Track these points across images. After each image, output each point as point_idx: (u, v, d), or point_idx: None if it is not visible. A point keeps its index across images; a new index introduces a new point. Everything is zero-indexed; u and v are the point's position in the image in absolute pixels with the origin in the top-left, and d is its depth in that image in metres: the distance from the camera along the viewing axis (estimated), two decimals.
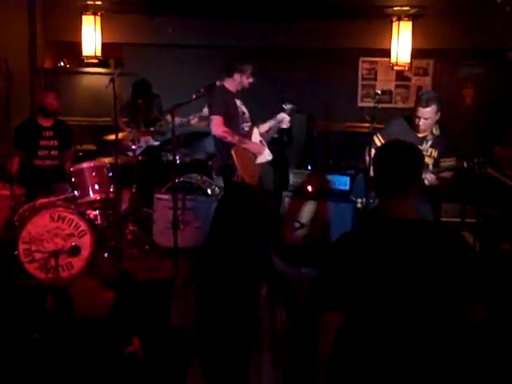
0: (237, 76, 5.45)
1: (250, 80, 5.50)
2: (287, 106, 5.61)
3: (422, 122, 4.65)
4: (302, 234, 5.94)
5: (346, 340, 2.36)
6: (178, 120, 6.72)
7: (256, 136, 5.55)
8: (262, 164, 5.60)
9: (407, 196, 2.36)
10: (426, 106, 4.60)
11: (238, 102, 5.56)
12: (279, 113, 5.60)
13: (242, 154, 5.35)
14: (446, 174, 4.79)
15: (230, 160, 5.30)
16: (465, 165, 4.62)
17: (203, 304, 2.54)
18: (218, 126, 5.31)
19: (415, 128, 4.72)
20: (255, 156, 5.49)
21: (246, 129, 5.57)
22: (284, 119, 5.58)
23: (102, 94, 6.79)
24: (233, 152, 5.28)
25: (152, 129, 6.94)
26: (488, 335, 3.68)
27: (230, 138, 5.28)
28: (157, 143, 6.93)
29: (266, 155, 5.57)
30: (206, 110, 6.02)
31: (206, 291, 2.54)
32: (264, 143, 5.55)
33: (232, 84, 5.47)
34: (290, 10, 7.85)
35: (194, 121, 6.65)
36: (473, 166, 4.57)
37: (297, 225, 5.93)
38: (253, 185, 5.33)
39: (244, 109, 5.63)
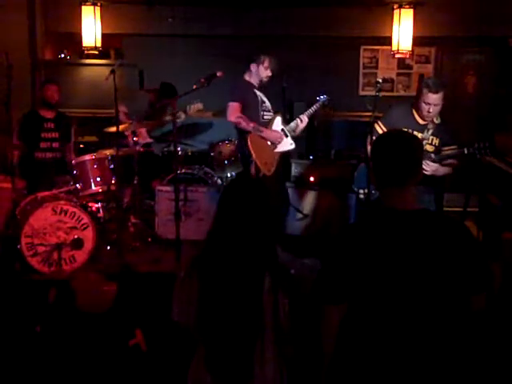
0: (253, 66, 5.49)
1: (268, 73, 5.51)
2: (320, 98, 5.64)
3: (432, 109, 4.59)
4: (305, 225, 5.93)
5: (349, 332, 2.36)
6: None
7: (278, 125, 5.55)
8: (280, 153, 5.60)
9: (406, 186, 2.35)
10: (437, 92, 4.54)
11: (258, 93, 5.55)
12: (314, 104, 5.64)
13: (258, 142, 5.37)
14: (452, 161, 4.76)
15: (247, 148, 5.32)
16: (465, 151, 4.60)
17: (206, 296, 2.54)
18: (232, 112, 5.35)
19: (425, 115, 4.67)
20: (275, 144, 5.49)
21: (267, 117, 5.56)
22: (301, 120, 5.61)
23: (103, 86, 6.78)
24: (248, 139, 5.30)
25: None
26: (490, 324, 3.68)
27: (243, 124, 5.31)
28: (151, 140, 6.87)
29: (287, 144, 5.57)
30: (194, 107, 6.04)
31: (208, 283, 2.54)
32: (283, 133, 5.54)
33: (251, 76, 5.51)
34: None
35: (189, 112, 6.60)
36: (473, 151, 4.55)
37: (299, 215, 5.92)
38: (268, 174, 5.33)
39: (264, 98, 5.61)
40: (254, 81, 5.54)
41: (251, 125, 5.32)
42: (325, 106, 5.74)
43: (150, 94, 7.29)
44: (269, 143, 5.46)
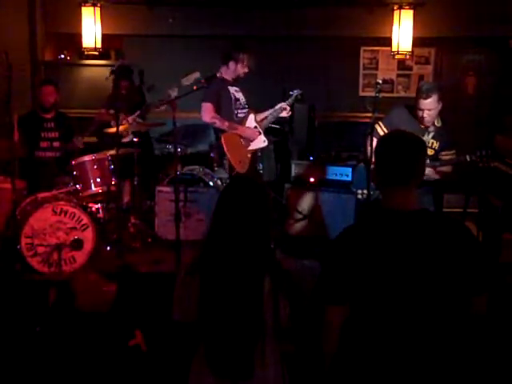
0: (232, 64, 5.54)
1: (246, 70, 5.58)
2: (295, 92, 5.64)
3: (426, 114, 4.61)
4: (304, 226, 5.93)
5: (351, 333, 2.37)
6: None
7: (251, 122, 5.60)
8: (254, 150, 5.64)
9: (408, 187, 2.35)
10: (427, 97, 4.56)
11: (232, 89, 5.60)
12: (283, 102, 5.64)
13: (231, 140, 5.44)
14: (446, 168, 4.78)
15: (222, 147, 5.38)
16: (467, 158, 4.60)
17: (207, 296, 2.54)
18: (206, 113, 5.44)
19: (420, 120, 4.68)
20: (248, 142, 5.54)
21: (241, 115, 5.61)
22: (284, 108, 5.61)
23: (103, 86, 6.81)
24: (222, 138, 5.36)
25: (135, 115, 6.72)
26: (490, 326, 3.68)
27: (218, 124, 5.40)
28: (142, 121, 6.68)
29: (260, 141, 5.62)
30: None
31: (209, 283, 2.54)
32: (259, 129, 5.58)
33: (227, 72, 5.55)
34: None
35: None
36: (475, 159, 4.56)
37: (298, 216, 5.91)
38: (242, 172, 5.38)
39: (238, 95, 5.65)
40: (229, 77, 5.59)
41: (226, 123, 5.41)
42: (297, 100, 5.72)
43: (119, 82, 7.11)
44: (242, 142, 5.52)
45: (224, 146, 5.37)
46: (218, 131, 5.50)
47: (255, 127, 5.59)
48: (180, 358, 3.09)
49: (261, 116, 5.72)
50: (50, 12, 7.96)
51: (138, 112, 6.47)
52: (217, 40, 7.81)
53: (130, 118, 6.28)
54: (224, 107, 5.49)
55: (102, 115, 6.61)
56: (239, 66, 5.54)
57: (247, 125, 5.57)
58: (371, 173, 4.67)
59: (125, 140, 6.38)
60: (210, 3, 7.94)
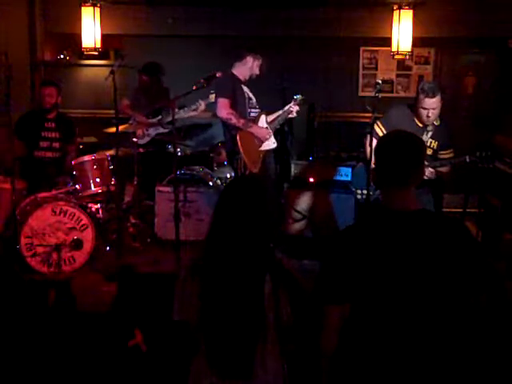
0: (249, 59, 5.51)
1: (257, 71, 5.55)
2: (297, 97, 5.63)
3: (431, 113, 4.61)
4: (304, 226, 5.93)
5: (350, 333, 2.37)
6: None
7: (262, 122, 5.59)
8: (265, 151, 5.62)
9: (408, 187, 2.36)
10: (433, 96, 4.56)
11: (245, 89, 5.57)
12: (289, 104, 5.62)
13: (247, 140, 5.40)
14: (445, 169, 4.78)
15: (236, 145, 5.35)
16: (467, 159, 4.60)
17: (208, 296, 2.54)
18: (223, 108, 5.39)
19: (424, 120, 4.68)
20: (260, 142, 5.52)
21: (253, 114, 5.60)
22: (293, 110, 5.60)
23: (103, 86, 6.78)
24: (237, 136, 5.33)
25: (156, 119, 6.82)
26: (490, 327, 3.68)
27: (234, 120, 5.35)
28: (166, 130, 6.77)
29: (270, 143, 5.60)
30: (212, 96, 6.01)
31: (210, 283, 2.54)
32: (270, 130, 5.57)
33: (242, 70, 5.53)
34: None
35: (201, 107, 6.52)
36: (475, 160, 4.57)
37: (298, 216, 5.91)
38: (255, 171, 5.37)
39: (251, 95, 5.63)
40: (243, 76, 5.57)
41: (242, 121, 5.38)
42: (300, 104, 5.71)
43: (140, 76, 7.26)
44: (255, 141, 5.50)
45: (239, 145, 5.35)
46: (231, 129, 5.48)
47: (266, 128, 5.58)
48: (180, 357, 3.08)
49: (271, 117, 5.71)
50: (50, 12, 7.97)
51: (160, 117, 6.53)
52: (217, 40, 7.83)
53: (150, 129, 6.46)
54: (238, 105, 5.47)
55: (124, 107, 6.62)
56: (255, 63, 5.53)
57: (259, 125, 5.56)
58: (371, 173, 4.67)
59: (141, 141, 6.41)
60: (210, 3, 7.94)
